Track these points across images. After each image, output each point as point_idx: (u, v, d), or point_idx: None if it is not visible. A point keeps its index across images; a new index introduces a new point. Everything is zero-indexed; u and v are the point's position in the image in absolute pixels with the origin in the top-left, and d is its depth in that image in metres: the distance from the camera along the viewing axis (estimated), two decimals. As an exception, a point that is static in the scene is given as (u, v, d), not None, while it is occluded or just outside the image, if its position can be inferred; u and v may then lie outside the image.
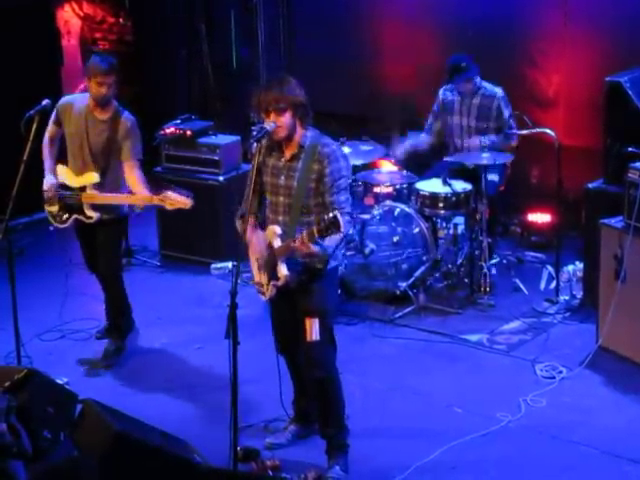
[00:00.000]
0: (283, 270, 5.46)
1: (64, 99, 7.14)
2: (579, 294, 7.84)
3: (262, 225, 5.75)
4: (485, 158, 7.85)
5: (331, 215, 5.08)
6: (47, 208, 7.08)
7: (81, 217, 6.95)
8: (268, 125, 5.44)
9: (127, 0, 10.96)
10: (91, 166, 6.91)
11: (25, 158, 6.30)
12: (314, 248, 5.30)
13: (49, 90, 8.20)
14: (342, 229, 5.08)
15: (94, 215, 6.91)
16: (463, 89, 8.33)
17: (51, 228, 7.17)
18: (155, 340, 7.51)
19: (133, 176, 6.86)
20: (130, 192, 6.86)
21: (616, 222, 6.94)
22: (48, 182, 7.00)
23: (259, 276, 5.70)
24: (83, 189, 6.90)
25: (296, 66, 10.24)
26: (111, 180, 6.93)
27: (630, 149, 7.12)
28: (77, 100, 7.03)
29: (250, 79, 10.46)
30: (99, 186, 6.89)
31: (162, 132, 8.87)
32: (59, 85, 10.09)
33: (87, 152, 6.91)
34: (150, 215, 8.82)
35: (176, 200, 6.65)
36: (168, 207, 6.69)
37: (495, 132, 8.28)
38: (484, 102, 8.29)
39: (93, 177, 6.89)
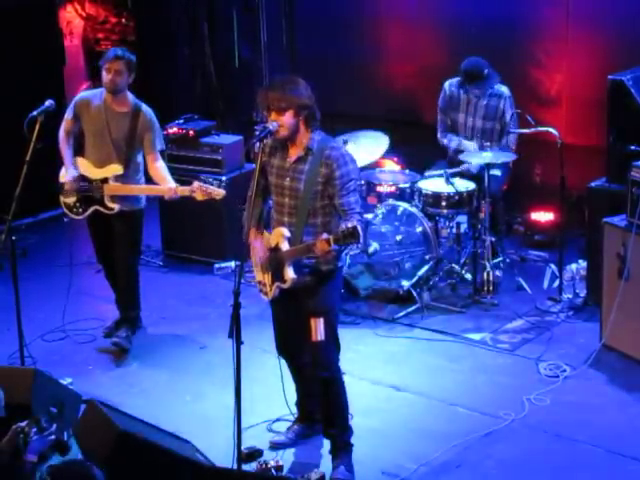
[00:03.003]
0: (290, 273, 5.47)
1: (81, 95, 7.26)
2: (582, 293, 7.83)
3: (266, 224, 5.77)
4: (488, 157, 7.86)
5: (350, 226, 5.11)
6: (64, 200, 7.15)
7: (101, 208, 7.02)
8: (271, 125, 5.46)
9: (129, 0, 10.96)
10: (114, 158, 6.99)
11: (28, 158, 6.30)
12: (334, 253, 5.38)
13: (51, 90, 8.18)
14: (360, 240, 5.12)
15: (115, 206, 6.99)
16: (474, 92, 8.28)
17: (66, 219, 7.27)
18: (159, 340, 7.51)
19: (156, 167, 7.03)
20: (152, 182, 7.03)
21: (619, 220, 6.94)
22: (70, 174, 7.05)
23: (262, 276, 5.70)
24: (105, 181, 6.98)
25: (298, 66, 10.24)
26: (132, 171, 7.05)
27: (633, 147, 7.11)
28: (94, 96, 7.12)
29: (252, 79, 10.47)
30: (121, 177, 6.99)
31: (165, 132, 8.86)
32: (61, 85, 10.07)
33: (110, 145, 7.00)
34: (153, 215, 8.82)
35: (208, 191, 6.78)
36: (199, 198, 6.81)
37: (499, 133, 8.26)
38: (491, 102, 8.27)
39: (117, 169, 6.99)
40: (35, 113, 6.45)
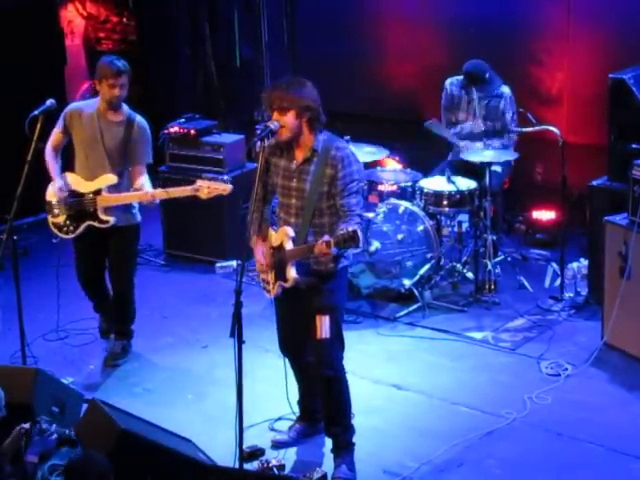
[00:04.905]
0: (292, 273, 5.47)
1: (71, 106, 7.03)
2: (584, 291, 7.84)
3: (272, 222, 5.79)
4: (490, 156, 7.86)
5: (350, 230, 5.13)
6: (52, 220, 6.95)
7: (95, 223, 6.82)
8: (272, 124, 5.45)
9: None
10: (108, 168, 6.82)
11: (29, 158, 6.28)
12: (332, 255, 5.38)
13: (53, 90, 8.19)
14: (360, 244, 5.14)
15: (110, 219, 6.80)
16: (476, 93, 8.28)
17: (55, 240, 7.08)
18: (160, 339, 7.51)
19: (139, 179, 6.82)
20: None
21: (620, 219, 6.94)
22: (57, 184, 6.84)
23: (265, 274, 5.70)
24: (97, 193, 6.80)
25: (299, 65, 10.24)
26: (127, 182, 6.88)
27: (634, 146, 7.12)
28: (86, 106, 6.94)
29: (253, 78, 10.48)
30: (115, 188, 6.81)
31: (166, 131, 8.88)
32: (62, 85, 10.08)
33: (103, 155, 6.82)
34: (155, 214, 8.82)
35: (213, 187, 6.55)
36: (204, 197, 6.59)
37: (500, 133, 8.27)
38: (492, 102, 8.26)
39: (110, 179, 6.79)
40: (36, 112, 6.42)
